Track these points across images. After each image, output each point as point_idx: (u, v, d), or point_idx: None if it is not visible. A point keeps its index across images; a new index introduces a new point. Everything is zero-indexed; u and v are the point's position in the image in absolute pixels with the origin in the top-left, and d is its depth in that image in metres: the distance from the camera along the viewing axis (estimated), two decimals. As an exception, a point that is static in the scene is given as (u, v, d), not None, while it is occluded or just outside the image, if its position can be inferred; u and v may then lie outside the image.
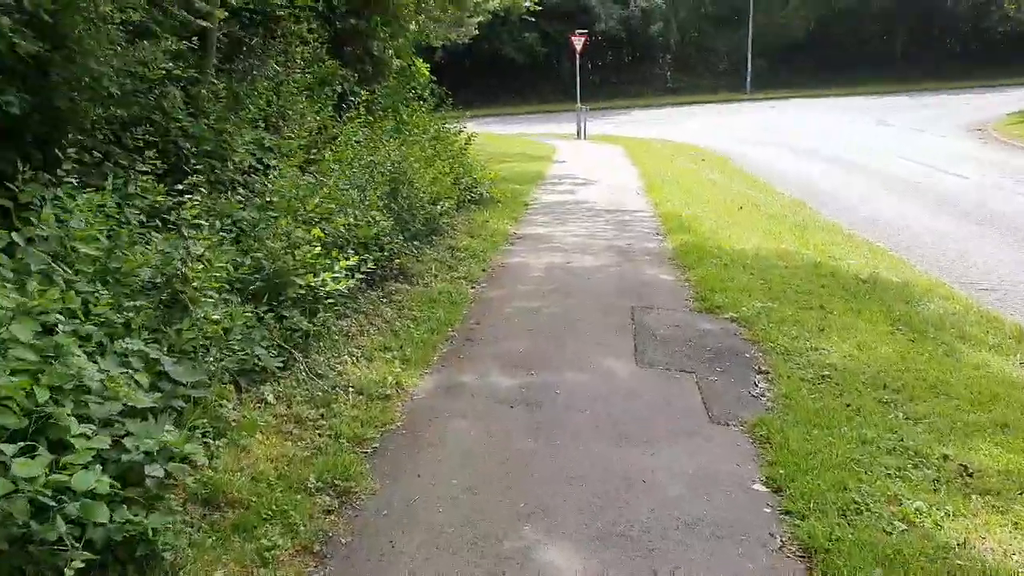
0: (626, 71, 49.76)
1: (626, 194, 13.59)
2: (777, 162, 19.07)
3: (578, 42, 28.37)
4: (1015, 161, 18.21)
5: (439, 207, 8.56)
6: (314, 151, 8.23)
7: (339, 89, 9.81)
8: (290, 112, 8.19)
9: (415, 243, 8.07)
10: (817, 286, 7.46)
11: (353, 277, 5.48)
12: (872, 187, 14.78)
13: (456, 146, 11.63)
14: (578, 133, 27.03)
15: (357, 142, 8.46)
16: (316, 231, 5.47)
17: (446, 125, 12.53)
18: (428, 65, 15.76)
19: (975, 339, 6.28)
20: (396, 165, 7.99)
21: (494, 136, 28.41)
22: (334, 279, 5.23)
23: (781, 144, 22.60)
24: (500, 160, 19.04)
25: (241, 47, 7.92)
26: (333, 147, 8.19)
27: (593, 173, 16.56)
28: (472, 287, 7.44)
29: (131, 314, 3.58)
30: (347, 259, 5.48)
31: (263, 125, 7.92)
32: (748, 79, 46.61)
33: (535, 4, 14.43)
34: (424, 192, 8.27)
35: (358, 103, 9.31)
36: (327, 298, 5.23)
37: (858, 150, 20.30)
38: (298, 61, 8.45)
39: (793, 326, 6.24)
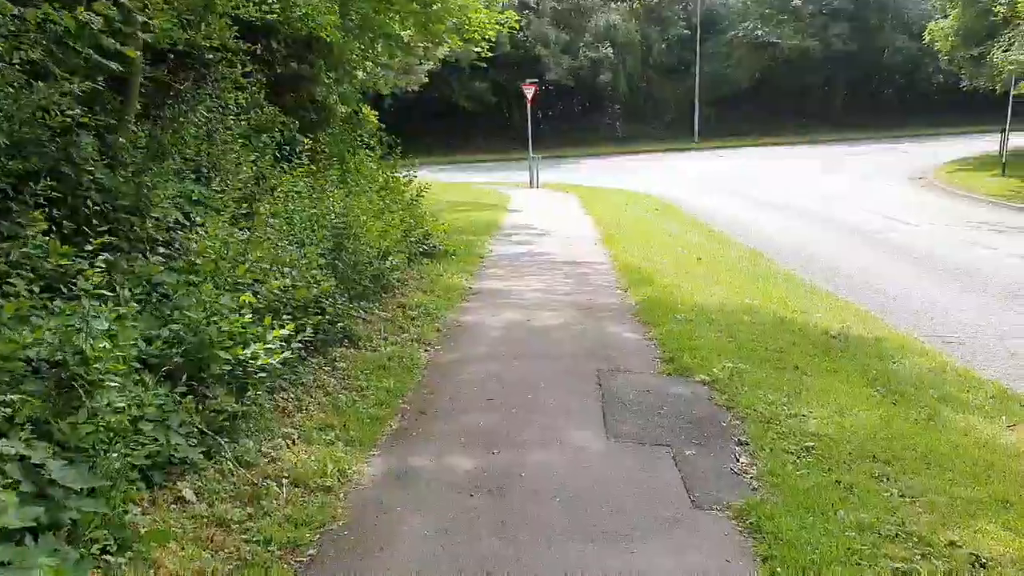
0: (577, 120, 50.24)
1: (583, 245, 13.25)
2: (730, 211, 19.04)
3: (529, 91, 28.38)
4: (959, 208, 18.50)
5: (388, 262, 8.04)
6: (247, 205, 7.68)
7: (279, 137, 9.29)
8: (223, 162, 7.63)
9: (362, 303, 7.52)
10: (787, 343, 7.10)
11: (289, 347, 4.91)
12: (826, 236, 14.73)
13: (406, 196, 11.16)
14: (531, 182, 26.85)
15: (298, 193, 7.92)
16: (246, 297, 4.90)
17: (395, 174, 12.07)
18: (376, 113, 15.36)
19: (957, 400, 5.95)
20: (341, 218, 7.46)
21: (447, 184, 28.08)
22: (267, 351, 4.65)
23: (732, 192, 22.70)
24: (454, 209, 18.64)
25: (169, 92, 7.37)
26: (272, 199, 7.63)
27: (548, 223, 16.24)
28: (426, 350, 6.90)
29: (9, 409, 2.97)
30: (282, 327, 4.91)
31: (193, 176, 7.35)
32: (696, 128, 47.42)
33: (486, 51, 14.12)
34: (372, 246, 7.75)
35: (300, 151, 8.80)
36: (259, 372, 4.64)
37: (809, 198, 20.44)
38: (232, 107, 7.92)
39: (769, 389, 5.83)
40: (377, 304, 7.92)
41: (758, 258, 12.61)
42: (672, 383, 6.07)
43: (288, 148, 9.69)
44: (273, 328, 4.84)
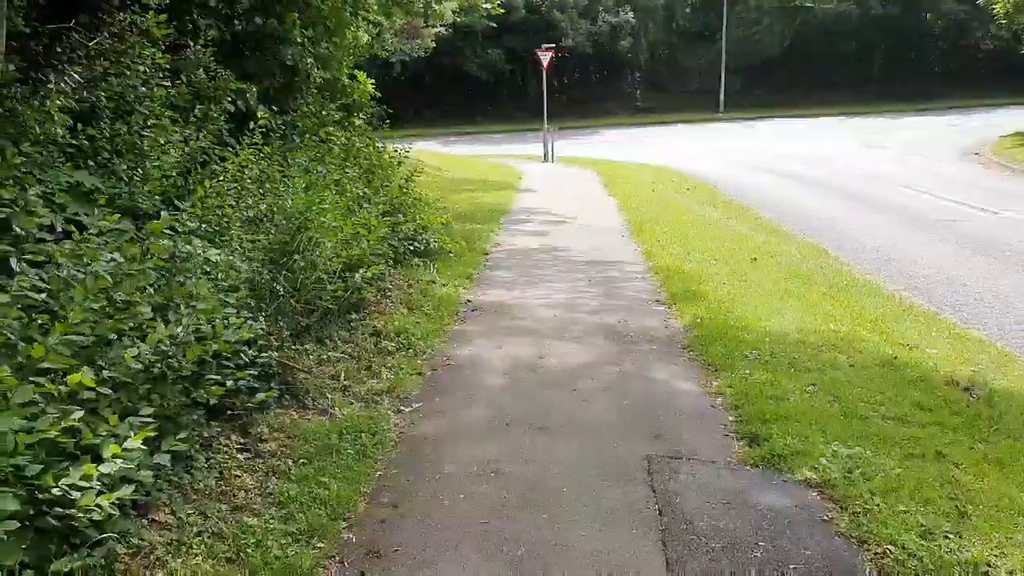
0: (595, 89, 47.67)
1: (609, 237, 11.14)
2: (768, 191, 16.88)
3: (544, 57, 26.04)
4: (1037, 192, 16.23)
5: (360, 275, 6.00)
6: (177, 199, 5.66)
7: (232, 108, 7.22)
8: (138, 142, 5.60)
9: (320, 332, 5.52)
10: (910, 404, 5.03)
11: (139, 473, 2.89)
12: (890, 225, 12.57)
13: (394, 181, 9.06)
14: (546, 155, 24.66)
15: (239, 184, 5.88)
16: (77, 379, 2.89)
17: (381, 150, 10.00)
18: (373, 81, 13.19)
19: None
20: (294, 219, 5.42)
21: (456, 159, 25.95)
22: (102, 481, 2.66)
23: (768, 169, 20.46)
24: (459, 189, 16.53)
25: (54, 48, 5.33)
26: (205, 192, 5.60)
27: (566, 207, 14.12)
28: (399, 410, 4.88)
29: None
30: (134, 431, 2.90)
31: (92, 163, 5.33)
32: (722, 98, 44.85)
33: (496, 7, 11.94)
34: (337, 256, 5.72)
35: (256, 127, 6.73)
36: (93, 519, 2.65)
37: (856, 177, 18.22)
38: (140, 69, 5.84)
39: (914, 503, 3.79)
40: (342, 330, 5.90)
41: (822, 256, 10.49)
42: (762, 485, 4.03)
43: (253, 122, 7.65)
44: (119, 438, 2.82)
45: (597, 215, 13.26)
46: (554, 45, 27.78)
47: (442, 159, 24.92)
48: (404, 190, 8.98)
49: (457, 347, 6.09)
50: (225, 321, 3.96)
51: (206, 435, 3.90)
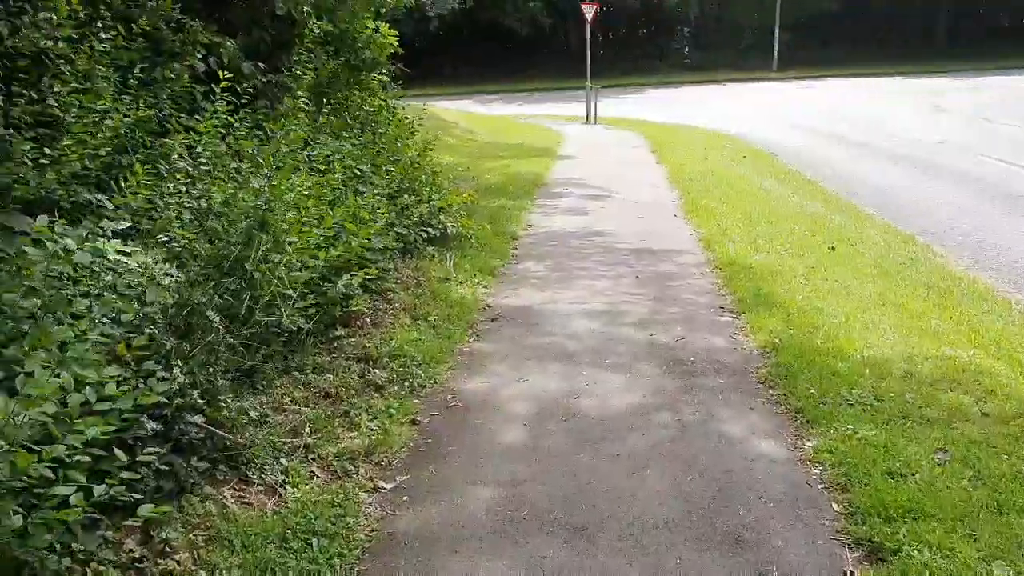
0: (640, 46, 45.38)
1: (659, 217, 9.66)
2: (836, 161, 15.11)
3: (588, 11, 24.23)
4: None
5: (342, 283, 4.67)
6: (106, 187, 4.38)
7: (203, 66, 5.89)
8: (58, 113, 4.31)
9: (292, 358, 4.24)
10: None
11: None
12: (981, 203, 10.85)
13: (405, 156, 7.64)
14: (588, 116, 23.01)
15: (200, 163, 4.56)
16: None
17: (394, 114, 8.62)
18: (396, 34, 11.65)
19: None
20: (245, 216, 4.09)
21: (491, 119, 24.46)
22: None
23: (830, 135, 18.60)
24: (491, 155, 15.11)
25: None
26: (138, 180, 4.30)
27: (609, 177, 12.61)
28: (375, 489, 3.56)
29: None
30: None
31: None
32: (775, 55, 42.33)
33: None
34: (304, 268, 4.38)
35: (217, 93, 5.37)
36: None
37: (929, 145, 16.29)
38: (49, 17, 4.50)
39: None
40: (320, 355, 4.61)
41: (909, 244, 8.89)
42: (906, 652, 2.66)
43: (234, 83, 6.32)
44: None
45: (645, 188, 11.74)
46: (598, -2, 25.89)
47: (476, 120, 23.46)
48: (416, 165, 7.56)
49: (467, 378, 4.75)
50: (89, 394, 2.65)
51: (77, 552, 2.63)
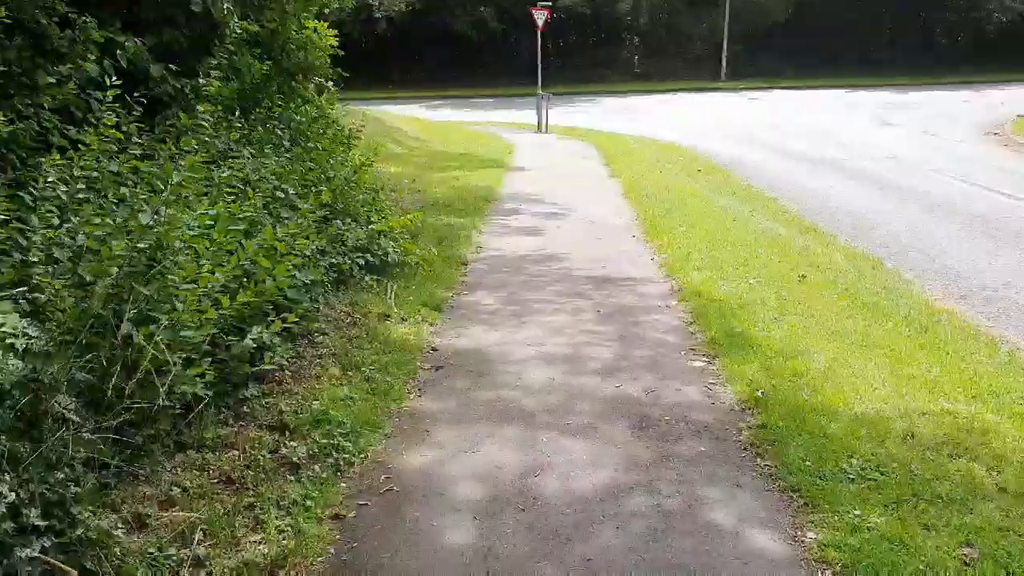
0: (591, 53, 45.01)
1: (617, 238, 9.03)
2: (787, 175, 14.82)
3: (540, 17, 23.64)
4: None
5: (251, 336, 3.88)
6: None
7: (95, 69, 5.01)
8: None
9: (162, 446, 3.43)
10: None
11: None
12: (938, 223, 10.59)
13: (338, 173, 6.81)
14: (539, 125, 22.40)
15: (48, 200, 3.71)
16: None
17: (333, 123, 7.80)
18: (335, 33, 10.82)
19: None
20: (127, 263, 3.26)
21: (440, 126, 23.68)
22: None
23: (779, 148, 18.35)
24: (440, 165, 14.34)
25: None
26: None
27: (564, 192, 11.97)
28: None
29: None
30: None
31: None
32: (723, 66, 42.50)
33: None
34: (198, 326, 3.58)
35: (102, 104, 4.51)
36: None
37: (877, 160, 16.13)
38: None
39: None
40: (223, 425, 3.81)
41: (879, 271, 8.43)
42: None
43: (142, 89, 5.48)
44: None
45: (600, 204, 11.12)
46: (550, 4, 25.30)
47: (425, 127, 22.66)
48: (352, 184, 6.74)
49: (406, 450, 3.98)
50: None
51: None
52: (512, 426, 4.23)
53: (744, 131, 21.74)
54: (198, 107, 6.04)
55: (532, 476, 3.73)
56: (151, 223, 3.36)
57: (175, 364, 3.17)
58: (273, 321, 4.20)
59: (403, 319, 5.78)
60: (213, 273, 3.82)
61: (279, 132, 7.20)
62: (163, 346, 3.10)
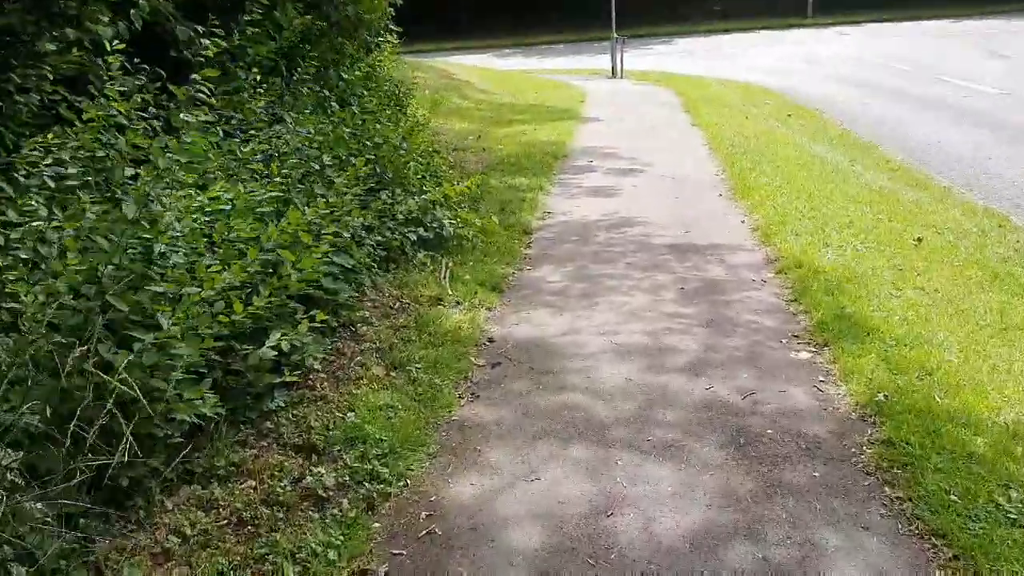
0: (667, -8, 42.76)
1: (701, 197, 8.13)
2: (890, 117, 13.40)
3: (613, -45, 22.28)
4: None
5: (270, 344, 3.28)
6: None
7: (108, 31, 4.44)
8: None
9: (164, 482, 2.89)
10: None
11: None
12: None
13: (391, 137, 6.11)
14: (613, 70, 21.24)
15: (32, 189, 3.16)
16: None
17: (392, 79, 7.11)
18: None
19: None
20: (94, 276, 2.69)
21: (509, 75, 22.74)
22: None
23: (879, 87, 16.75)
24: (507, 120, 13.53)
25: None
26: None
27: (640, 144, 11.05)
28: None
29: None
30: None
31: None
32: (810, 1, 39.75)
33: None
34: (209, 329, 2.99)
35: (105, 72, 3.93)
36: None
37: (990, 96, 14.43)
38: None
39: None
40: (242, 443, 3.25)
41: (1005, 227, 7.33)
42: None
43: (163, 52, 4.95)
44: None
45: (681, 157, 10.17)
46: (623, -60, 23.80)
47: (493, 77, 21.75)
48: (400, 151, 6.03)
49: (452, 475, 3.34)
50: None
51: None
52: (580, 444, 3.54)
53: (836, 69, 20.05)
54: (194, 75, 5.39)
55: (605, 516, 3.04)
56: (136, 216, 2.77)
57: (166, 392, 2.59)
58: (301, 320, 3.61)
59: (457, 303, 5.12)
60: (224, 271, 3.22)
61: (326, 93, 6.56)
62: (136, 379, 2.51)
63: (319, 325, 3.71)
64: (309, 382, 3.87)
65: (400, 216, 5.59)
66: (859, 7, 37.41)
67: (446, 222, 5.96)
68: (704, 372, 4.24)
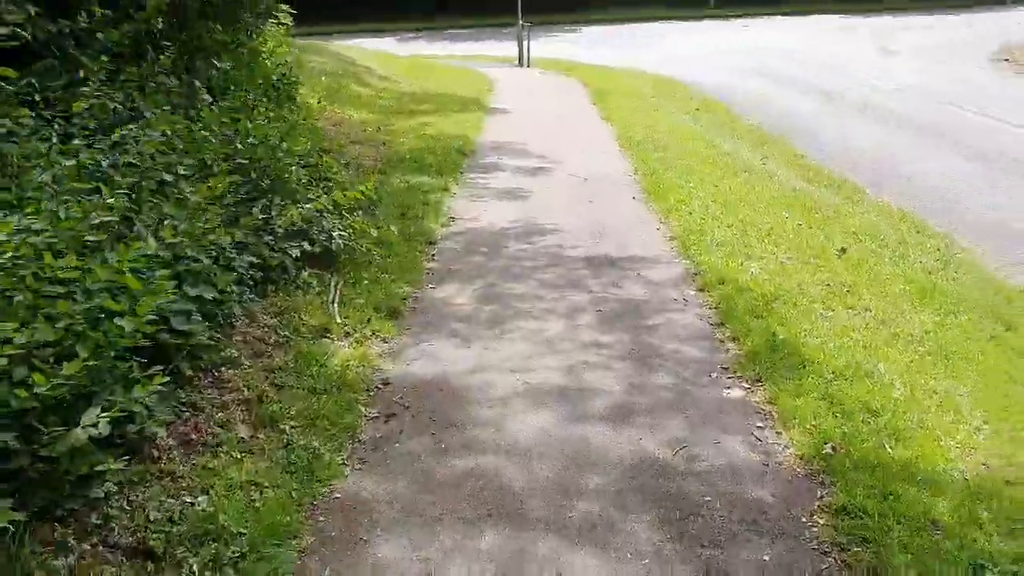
0: (573, -22, 42.45)
1: (614, 199, 7.64)
2: (796, 112, 13.47)
3: (519, -63, 21.62)
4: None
5: (88, 421, 2.53)
6: None
7: None
8: None
9: None
10: None
11: None
12: (970, 165, 9.41)
13: (271, 134, 5.30)
14: (520, 59, 20.65)
15: None
16: None
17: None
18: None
19: None
20: None
21: (412, 62, 21.81)
22: None
23: (782, 80, 16.86)
24: (409, 110, 12.73)
25: None
26: None
27: (550, 139, 10.50)
28: None
29: None
30: None
31: None
32: (713, -9, 40.23)
33: None
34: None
35: None
36: None
37: (888, 93, 14.71)
38: None
39: None
40: (43, 553, 2.50)
41: (924, 234, 7.21)
42: None
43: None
44: None
45: (592, 154, 9.67)
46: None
47: (395, 63, 20.80)
48: (279, 151, 5.21)
49: (331, 581, 2.69)
50: None
51: None
52: (492, 529, 2.92)
53: (738, 61, 20.06)
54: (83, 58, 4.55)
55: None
56: None
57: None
58: (141, 380, 2.86)
59: (347, 333, 4.42)
60: (29, 327, 2.44)
61: (196, 85, 5.69)
62: None
63: (165, 380, 2.95)
64: (154, 450, 3.11)
65: (280, 229, 4.82)
66: (762, 1, 38.08)
67: (335, 233, 5.22)
68: (630, 420, 3.70)
